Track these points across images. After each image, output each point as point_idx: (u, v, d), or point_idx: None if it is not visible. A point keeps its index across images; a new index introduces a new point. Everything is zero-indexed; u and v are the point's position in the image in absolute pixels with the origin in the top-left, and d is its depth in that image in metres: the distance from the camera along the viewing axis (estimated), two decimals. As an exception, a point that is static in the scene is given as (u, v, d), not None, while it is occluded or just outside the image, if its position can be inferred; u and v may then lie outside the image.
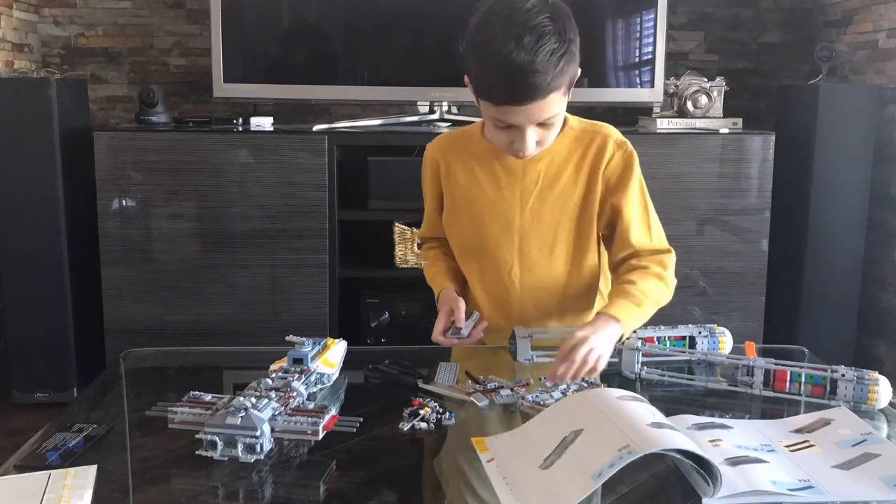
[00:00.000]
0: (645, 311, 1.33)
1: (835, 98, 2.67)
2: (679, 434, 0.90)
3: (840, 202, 2.71)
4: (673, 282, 1.41)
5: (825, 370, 1.18)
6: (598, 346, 1.21)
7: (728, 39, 3.23)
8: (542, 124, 1.29)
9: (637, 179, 1.42)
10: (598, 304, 1.48)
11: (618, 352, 1.30)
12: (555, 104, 1.26)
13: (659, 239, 1.43)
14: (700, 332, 1.36)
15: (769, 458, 0.97)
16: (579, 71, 1.28)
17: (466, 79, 1.31)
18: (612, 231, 1.43)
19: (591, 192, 1.41)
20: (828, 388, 1.17)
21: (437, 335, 1.39)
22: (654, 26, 2.74)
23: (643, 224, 1.42)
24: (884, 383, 1.15)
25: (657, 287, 1.37)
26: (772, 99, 3.17)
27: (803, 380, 1.19)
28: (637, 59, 2.81)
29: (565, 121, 1.39)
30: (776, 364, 1.21)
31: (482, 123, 1.44)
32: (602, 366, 1.22)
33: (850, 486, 0.92)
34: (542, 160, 1.39)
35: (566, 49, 1.22)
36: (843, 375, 1.16)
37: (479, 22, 1.25)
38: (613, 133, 1.42)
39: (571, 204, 1.42)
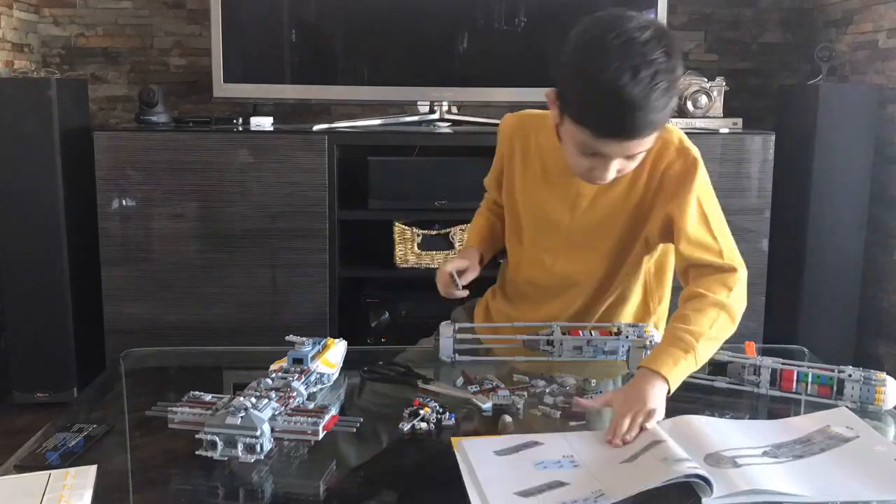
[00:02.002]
0: (697, 357, 1.19)
1: (835, 98, 2.67)
2: (659, 468, 0.90)
3: (840, 202, 2.71)
4: (738, 307, 1.29)
5: (832, 370, 1.18)
6: (636, 411, 1.07)
7: (728, 39, 3.23)
8: (630, 156, 1.23)
9: (697, 188, 1.34)
10: (636, 310, 1.48)
11: (625, 351, 1.30)
12: (651, 140, 1.21)
13: (726, 253, 1.33)
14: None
15: (769, 458, 0.97)
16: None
17: (553, 93, 1.25)
18: (671, 241, 1.36)
19: (644, 199, 1.37)
20: (834, 389, 1.17)
21: (439, 277, 1.45)
22: (654, 26, 2.73)
23: (704, 235, 1.32)
24: (891, 384, 1.15)
25: (715, 320, 1.24)
26: (772, 99, 3.17)
27: (810, 380, 1.18)
28: (637, 59, 2.81)
29: None
30: (783, 364, 1.20)
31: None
32: (653, 423, 1.07)
33: (850, 486, 0.92)
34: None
35: (675, 88, 1.17)
36: (850, 376, 1.16)
37: (588, 44, 1.18)
38: (676, 137, 1.36)
39: (623, 210, 1.38)
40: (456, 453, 0.99)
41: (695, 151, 1.36)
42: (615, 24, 1.16)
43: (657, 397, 1.11)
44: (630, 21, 1.16)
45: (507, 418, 1.11)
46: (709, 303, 1.25)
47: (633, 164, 1.26)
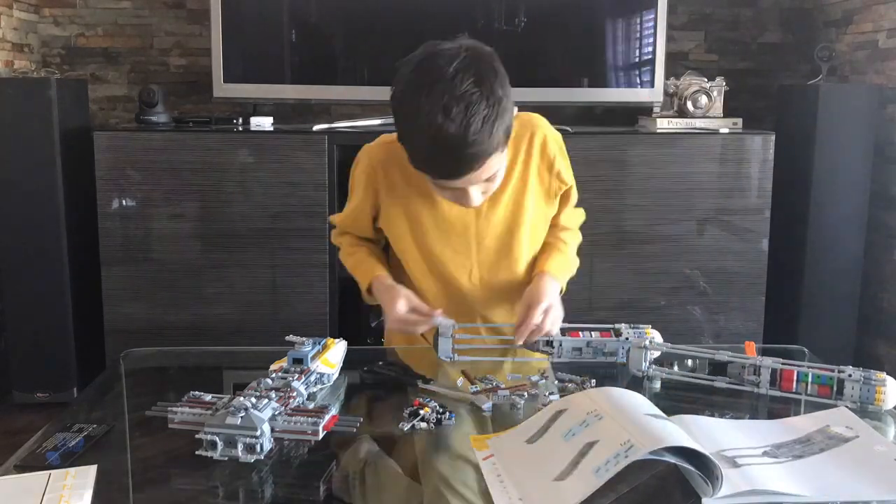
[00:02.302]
0: (571, 259, 1.49)
1: (835, 98, 2.67)
2: (683, 433, 0.90)
3: (840, 202, 2.71)
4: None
5: (832, 370, 1.18)
6: (552, 303, 1.33)
7: (728, 39, 3.23)
8: (487, 179, 1.25)
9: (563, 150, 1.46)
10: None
11: (626, 350, 1.30)
12: (494, 164, 1.22)
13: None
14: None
15: (769, 458, 0.97)
16: (515, 111, 1.25)
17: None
18: None
19: (544, 187, 1.44)
20: (834, 389, 1.17)
21: (400, 316, 1.33)
22: (654, 26, 2.74)
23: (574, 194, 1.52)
24: (891, 384, 1.15)
25: (573, 235, 1.53)
26: (772, 99, 3.17)
27: (810, 380, 1.18)
28: (637, 59, 2.81)
29: None
30: (783, 364, 1.20)
31: None
32: (557, 327, 1.32)
33: (849, 486, 0.92)
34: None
35: (497, 111, 1.15)
36: (850, 376, 1.16)
37: (403, 89, 1.18)
38: (544, 125, 1.43)
39: (525, 201, 1.43)
40: (476, 452, 0.99)
41: (555, 130, 1.44)
42: (426, 62, 1.17)
43: (550, 292, 1.35)
44: (440, 57, 1.16)
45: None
46: (562, 228, 1.52)
47: (496, 184, 1.30)
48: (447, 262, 1.44)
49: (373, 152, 1.43)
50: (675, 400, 1.16)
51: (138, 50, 3.11)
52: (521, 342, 1.31)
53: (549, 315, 1.32)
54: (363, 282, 1.45)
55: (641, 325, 1.38)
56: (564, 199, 1.51)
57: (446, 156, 1.16)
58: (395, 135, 1.31)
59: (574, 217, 1.55)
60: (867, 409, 1.13)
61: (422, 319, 1.34)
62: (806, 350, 1.41)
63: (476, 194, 1.27)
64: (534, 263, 1.48)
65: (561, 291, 1.43)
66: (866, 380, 1.15)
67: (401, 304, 1.35)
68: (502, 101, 1.17)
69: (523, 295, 1.37)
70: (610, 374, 1.32)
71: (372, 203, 1.45)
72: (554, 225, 1.52)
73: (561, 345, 1.32)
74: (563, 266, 1.47)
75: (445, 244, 1.43)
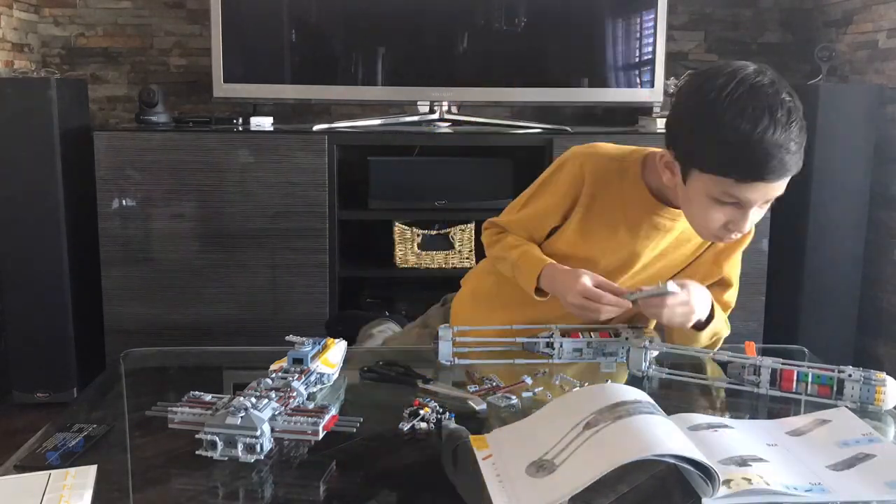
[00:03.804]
0: (719, 328, 1.42)
1: (835, 98, 2.67)
2: (678, 437, 0.90)
3: (840, 202, 2.71)
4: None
5: (832, 370, 1.18)
6: (695, 302, 1.30)
7: (728, 39, 3.23)
8: (766, 202, 1.25)
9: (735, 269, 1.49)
10: None
11: (626, 350, 1.30)
12: (786, 183, 1.23)
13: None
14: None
15: (769, 457, 0.97)
16: None
17: (671, 154, 1.27)
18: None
19: (701, 261, 1.47)
20: (834, 389, 1.17)
21: (584, 288, 1.29)
22: (654, 26, 2.74)
23: (735, 290, 1.52)
24: (891, 384, 1.15)
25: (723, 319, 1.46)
26: (772, 99, 3.16)
27: (810, 380, 1.18)
28: (637, 59, 2.81)
29: None
30: (783, 364, 1.20)
31: (641, 161, 1.40)
32: (674, 318, 1.28)
33: (849, 487, 0.92)
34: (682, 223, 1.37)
35: (805, 129, 1.20)
36: (850, 376, 1.16)
37: (711, 96, 1.18)
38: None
39: (690, 255, 1.46)
40: (476, 451, 0.99)
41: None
42: (731, 74, 1.18)
43: (705, 304, 1.32)
44: (744, 69, 1.19)
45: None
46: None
47: (762, 213, 1.28)
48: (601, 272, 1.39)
49: (585, 160, 1.41)
50: (675, 400, 1.16)
51: (138, 50, 3.11)
52: (635, 296, 1.28)
53: (685, 303, 1.28)
54: (533, 270, 1.38)
55: (640, 325, 1.38)
56: (726, 283, 1.49)
57: (767, 156, 1.16)
58: (621, 149, 1.40)
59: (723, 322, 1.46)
60: (867, 409, 1.14)
61: (606, 297, 1.29)
62: (806, 350, 1.41)
63: (752, 217, 1.25)
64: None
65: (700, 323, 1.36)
66: (866, 380, 1.15)
67: (585, 278, 1.30)
68: (805, 123, 1.20)
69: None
70: (610, 374, 1.32)
71: (564, 210, 1.43)
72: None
73: (561, 346, 1.32)
74: (718, 313, 1.41)
75: (608, 266, 1.42)
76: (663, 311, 1.27)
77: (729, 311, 1.48)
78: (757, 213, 1.25)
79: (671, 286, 1.25)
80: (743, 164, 1.18)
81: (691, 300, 1.29)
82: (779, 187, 1.22)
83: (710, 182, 1.21)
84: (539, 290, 1.40)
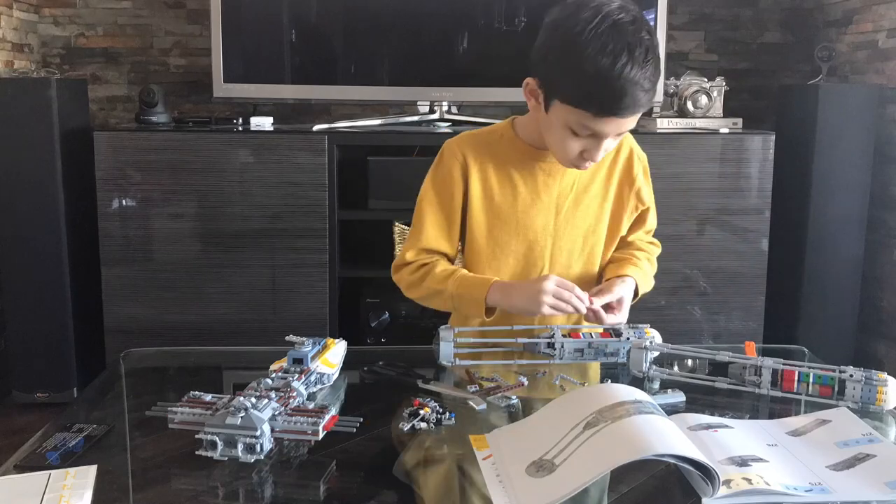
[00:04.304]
0: (646, 276, 1.51)
1: (835, 98, 2.67)
2: (678, 437, 0.90)
3: (840, 202, 2.71)
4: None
5: (833, 371, 1.18)
6: (625, 301, 1.40)
7: (728, 39, 3.23)
8: (619, 134, 1.30)
9: (650, 203, 1.54)
10: None
11: (626, 351, 1.31)
12: (638, 118, 1.28)
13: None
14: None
15: (769, 457, 0.97)
16: None
17: (535, 82, 1.30)
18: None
19: (621, 200, 1.49)
20: (836, 389, 1.17)
21: (553, 289, 1.32)
22: (655, 26, 2.74)
23: (653, 221, 1.57)
24: (892, 384, 1.14)
25: (649, 258, 1.55)
26: (772, 99, 3.17)
27: (811, 380, 1.18)
28: (637, 59, 2.81)
29: None
30: (784, 364, 1.20)
31: (510, 124, 1.44)
32: (614, 321, 1.37)
33: (849, 487, 0.92)
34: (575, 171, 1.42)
35: (660, 67, 1.26)
36: (852, 376, 1.16)
37: (575, 30, 1.21)
38: (634, 143, 1.50)
39: (602, 209, 1.48)
40: (476, 452, 0.99)
41: (627, 134, 1.44)
42: (597, 8, 1.22)
43: (628, 292, 1.41)
44: (608, 4, 1.23)
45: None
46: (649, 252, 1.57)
47: (615, 144, 1.34)
48: (521, 259, 1.45)
49: (458, 145, 1.44)
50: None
51: (138, 50, 3.11)
52: (588, 307, 1.34)
53: (621, 308, 1.39)
54: (479, 290, 1.37)
55: (640, 325, 1.38)
56: (640, 220, 1.54)
57: (622, 92, 1.20)
58: (473, 131, 1.46)
59: (650, 247, 1.57)
60: (868, 410, 1.13)
61: (576, 289, 1.33)
62: (806, 350, 1.41)
63: (605, 148, 1.30)
64: (601, 274, 1.51)
65: (636, 293, 1.47)
66: (867, 380, 1.15)
67: (551, 279, 1.33)
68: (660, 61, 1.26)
69: (605, 283, 1.44)
70: (611, 374, 1.32)
71: (462, 194, 1.43)
72: (628, 244, 1.54)
73: (563, 346, 1.32)
74: (641, 278, 1.47)
75: (523, 240, 1.45)
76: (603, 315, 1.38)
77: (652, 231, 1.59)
78: (610, 143, 1.31)
79: (606, 298, 1.38)
80: (600, 99, 1.22)
81: (622, 317, 1.40)
82: (631, 121, 1.27)
83: (569, 113, 1.26)
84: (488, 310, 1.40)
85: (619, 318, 1.39)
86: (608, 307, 1.38)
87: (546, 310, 1.33)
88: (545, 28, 1.29)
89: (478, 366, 1.31)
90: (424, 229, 1.45)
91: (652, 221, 1.56)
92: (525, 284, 1.38)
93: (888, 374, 1.17)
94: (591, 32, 1.20)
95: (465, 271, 1.44)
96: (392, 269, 1.49)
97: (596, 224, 1.48)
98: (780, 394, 1.19)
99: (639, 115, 1.27)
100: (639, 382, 1.26)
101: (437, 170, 1.46)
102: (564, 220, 1.45)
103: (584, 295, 1.34)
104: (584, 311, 1.35)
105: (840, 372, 1.17)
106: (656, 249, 1.59)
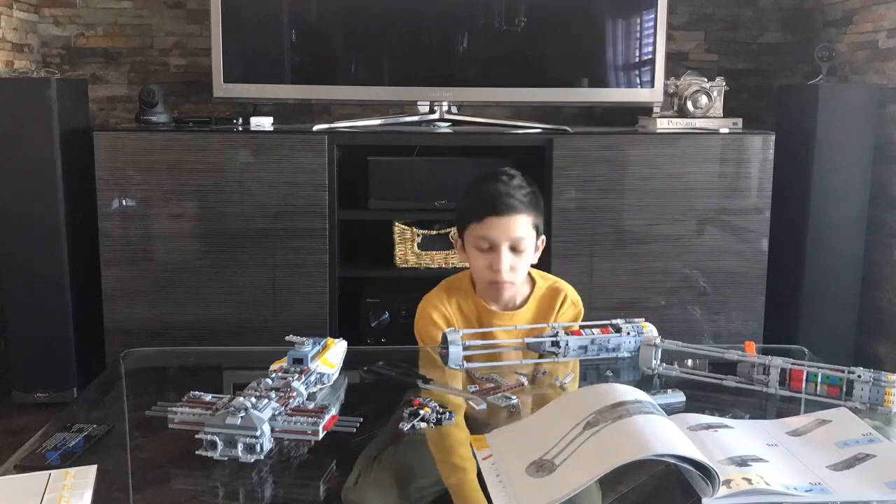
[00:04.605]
0: None
1: (835, 98, 2.67)
2: (678, 437, 0.90)
3: (840, 202, 2.71)
4: None
5: (842, 371, 1.17)
6: None
7: (728, 39, 3.23)
8: (514, 249, 1.55)
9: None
10: None
11: (636, 348, 1.31)
12: (525, 227, 1.56)
13: None
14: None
15: (769, 457, 0.97)
16: (542, 235, 1.62)
17: (455, 236, 1.65)
18: None
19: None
20: (843, 390, 1.16)
21: None
22: (654, 26, 2.74)
23: None
24: None
25: None
26: (772, 99, 3.17)
27: (819, 380, 1.18)
28: (637, 59, 2.81)
29: (534, 281, 1.65)
30: (793, 364, 1.20)
31: (469, 275, 1.67)
32: None
33: (849, 487, 0.92)
34: (521, 315, 1.61)
35: (534, 194, 1.59)
36: (860, 377, 1.15)
37: (470, 182, 1.64)
38: (571, 292, 1.67)
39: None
40: (476, 452, 0.99)
41: (581, 304, 1.68)
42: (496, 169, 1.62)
43: None
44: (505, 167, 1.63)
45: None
46: None
47: (521, 263, 1.57)
48: None
49: (435, 297, 1.66)
50: (689, 398, 1.16)
51: (138, 50, 3.11)
52: None
53: None
54: None
55: (636, 320, 1.38)
56: None
57: (495, 197, 1.55)
58: (445, 284, 1.69)
59: None
60: (876, 411, 1.13)
61: None
62: (806, 350, 1.41)
63: (506, 259, 1.54)
64: None
65: None
66: (876, 381, 1.14)
67: None
68: (538, 195, 1.62)
69: None
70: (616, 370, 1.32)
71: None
72: None
73: (567, 344, 1.33)
74: None
75: None
76: None
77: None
78: (511, 259, 1.55)
79: None
80: (478, 207, 1.57)
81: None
82: (514, 226, 1.54)
83: (468, 234, 1.58)
84: None
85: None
86: None
87: None
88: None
89: (485, 368, 1.31)
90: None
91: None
92: None
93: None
94: (479, 179, 1.62)
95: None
96: None
97: None
98: (787, 393, 1.19)
99: (522, 224, 1.54)
100: (648, 380, 1.26)
101: (422, 322, 1.64)
102: None
103: None
104: None
105: (848, 373, 1.16)
106: None
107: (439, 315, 1.62)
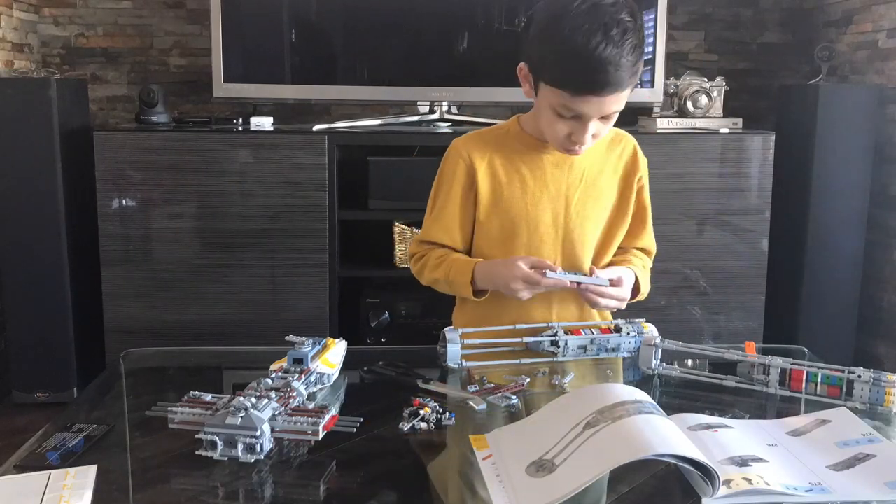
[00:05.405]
0: (647, 279, 1.51)
1: (835, 98, 2.67)
2: (678, 437, 0.90)
3: (840, 202, 2.71)
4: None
5: (842, 371, 1.17)
6: (624, 287, 1.39)
7: (728, 39, 3.23)
8: (604, 118, 1.31)
9: (647, 212, 1.54)
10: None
11: (636, 348, 1.31)
12: (624, 99, 1.29)
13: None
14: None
15: (769, 457, 0.97)
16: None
17: (525, 67, 1.34)
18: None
19: (625, 196, 1.49)
20: (843, 390, 1.16)
21: (524, 272, 1.33)
22: (654, 26, 2.74)
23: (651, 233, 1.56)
24: None
25: (648, 263, 1.56)
26: (772, 99, 3.17)
27: (819, 380, 1.18)
28: (637, 59, 2.81)
29: None
30: (793, 364, 1.20)
31: (517, 120, 1.47)
32: (612, 305, 1.40)
33: (849, 487, 0.92)
34: (586, 157, 1.43)
35: (643, 48, 1.27)
36: (860, 377, 1.15)
37: (557, 12, 1.25)
38: (636, 144, 1.51)
39: (610, 204, 1.48)
40: (476, 452, 0.99)
41: (630, 136, 1.52)
42: None
43: (628, 277, 1.42)
44: None
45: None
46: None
47: (607, 129, 1.35)
48: (533, 252, 1.44)
49: (463, 144, 1.46)
50: (682, 398, 1.16)
51: (138, 50, 3.11)
52: (576, 278, 1.35)
53: (617, 290, 1.38)
54: (465, 273, 1.42)
55: (637, 320, 1.39)
56: (640, 221, 1.53)
57: (597, 70, 1.22)
58: (479, 130, 1.49)
59: (646, 259, 1.56)
60: (876, 411, 1.13)
61: (544, 281, 1.34)
62: (806, 350, 1.41)
63: (592, 131, 1.31)
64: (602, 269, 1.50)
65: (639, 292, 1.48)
66: (876, 381, 1.14)
67: (520, 263, 1.35)
68: (644, 42, 1.28)
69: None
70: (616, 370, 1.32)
71: (469, 191, 1.45)
72: (630, 248, 1.54)
73: (567, 344, 1.33)
74: (641, 275, 1.49)
75: (533, 233, 1.44)
76: (600, 301, 1.39)
77: (653, 255, 1.58)
78: (597, 126, 1.31)
79: (604, 276, 1.38)
80: (575, 78, 1.25)
81: (624, 293, 1.40)
82: (612, 102, 1.27)
83: (552, 94, 1.29)
84: (478, 293, 1.43)
85: (617, 294, 1.39)
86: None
87: (524, 296, 1.37)
88: (534, 11, 1.32)
89: (484, 370, 1.30)
90: (424, 224, 1.50)
91: (649, 239, 1.56)
92: (500, 269, 1.38)
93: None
94: (570, 13, 1.23)
95: (456, 255, 1.46)
96: (409, 253, 1.57)
97: (604, 217, 1.48)
98: (787, 393, 1.19)
99: (622, 97, 1.28)
100: (648, 380, 1.26)
101: (442, 168, 1.49)
102: (574, 212, 1.45)
103: (559, 273, 1.34)
104: (562, 286, 1.36)
105: (848, 373, 1.16)
106: (649, 263, 1.57)
107: (463, 160, 1.45)
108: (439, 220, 1.47)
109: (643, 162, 1.51)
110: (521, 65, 1.35)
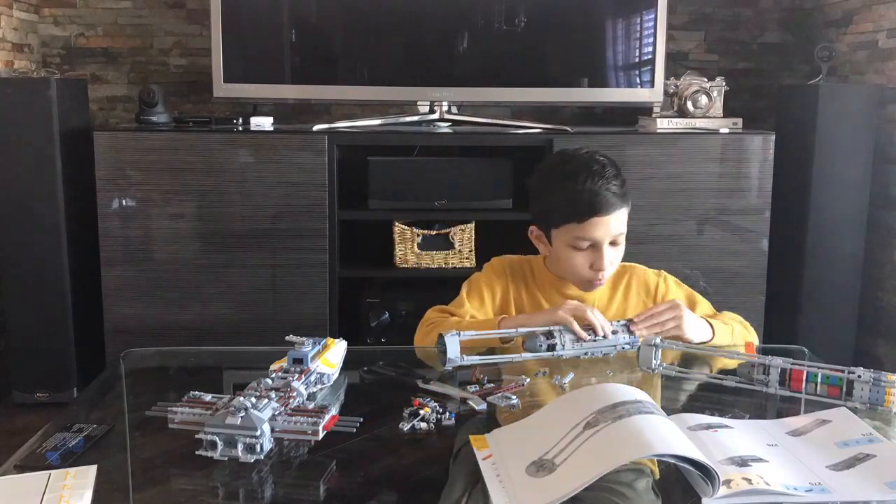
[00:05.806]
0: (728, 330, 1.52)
1: (835, 98, 2.67)
2: (678, 437, 0.90)
3: (840, 202, 2.71)
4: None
5: (842, 371, 1.17)
6: (685, 316, 1.41)
7: (728, 39, 3.23)
8: (613, 243, 1.47)
9: (681, 289, 1.61)
10: None
11: (636, 348, 1.31)
12: (624, 221, 1.47)
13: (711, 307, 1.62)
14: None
15: (769, 457, 0.97)
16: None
17: (534, 229, 1.54)
18: None
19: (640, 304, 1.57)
20: (843, 390, 1.16)
21: (573, 305, 1.39)
22: (654, 26, 2.74)
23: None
24: None
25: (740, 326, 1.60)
26: (772, 99, 3.17)
27: (819, 380, 1.18)
28: (637, 59, 2.81)
29: None
30: (793, 364, 1.20)
31: (542, 257, 1.59)
32: (673, 329, 1.39)
33: (849, 487, 0.92)
34: (594, 293, 1.54)
35: (624, 179, 1.48)
36: (860, 377, 1.15)
37: (545, 175, 1.52)
38: (646, 269, 1.61)
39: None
40: (476, 452, 0.99)
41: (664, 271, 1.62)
42: (557, 154, 1.55)
43: (699, 323, 1.45)
44: (563, 150, 1.58)
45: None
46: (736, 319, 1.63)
47: (619, 254, 1.51)
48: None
49: (507, 260, 1.62)
50: (682, 398, 1.16)
51: (138, 50, 3.11)
52: (637, 331, 1.37)
53: (673, 312, 1.41)
54: (491, 322, 1.48)
55: (628, 320, 1.39)
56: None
57: (597, 196, 1.43)
58: (511, 256, 1.62)
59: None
60: (876, 411, 1.13)
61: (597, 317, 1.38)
62: (806, 350, 1.41)
63: (608, 256, 1.47)
64: None
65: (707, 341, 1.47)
66: (876, 381, 1.14)
67: (567, 303, 1.42)
68: (622, 172, 1.50)
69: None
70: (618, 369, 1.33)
71: (504, 296, 1.58)
72: None
73: (566, 344, 1.33)
74: (699, 317, 1.50)
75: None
76: (656, 328, 1.39)
77: (720, 315, 1.60)
78: (612, 252, 1.48)
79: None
80: (578, 208, 1.45)
81: (681, 310, 1.42)
82: (615, 221, 1.45)
83: (564, 233, 1.47)
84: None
85: (667, 317, 1.40)
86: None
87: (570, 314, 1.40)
88: (528, 187, 1.56)
89: (478, 365, 1.31)
90: (461, 302, 1.57)
91: (700, 304, 1.59)
92: (544, 311, 1.46)
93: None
94: (556, 172, 1.50)
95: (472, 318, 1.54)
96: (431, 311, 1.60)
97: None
98: (787, 393, 1.19)
99: (622, 217, 1.46)
100: (648, 380, 1.26)
101: (488, 271, 1.61)
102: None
103: (602, 319, 1.37)
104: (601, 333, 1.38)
105: (849, 373, 1.16)
106: (727, 317, 1.60)
107: (502, 267, 1.59)
108: (470, 300, 1.57)
109: (656, 276, 1.59)
110: (532, 227, 1.55)
